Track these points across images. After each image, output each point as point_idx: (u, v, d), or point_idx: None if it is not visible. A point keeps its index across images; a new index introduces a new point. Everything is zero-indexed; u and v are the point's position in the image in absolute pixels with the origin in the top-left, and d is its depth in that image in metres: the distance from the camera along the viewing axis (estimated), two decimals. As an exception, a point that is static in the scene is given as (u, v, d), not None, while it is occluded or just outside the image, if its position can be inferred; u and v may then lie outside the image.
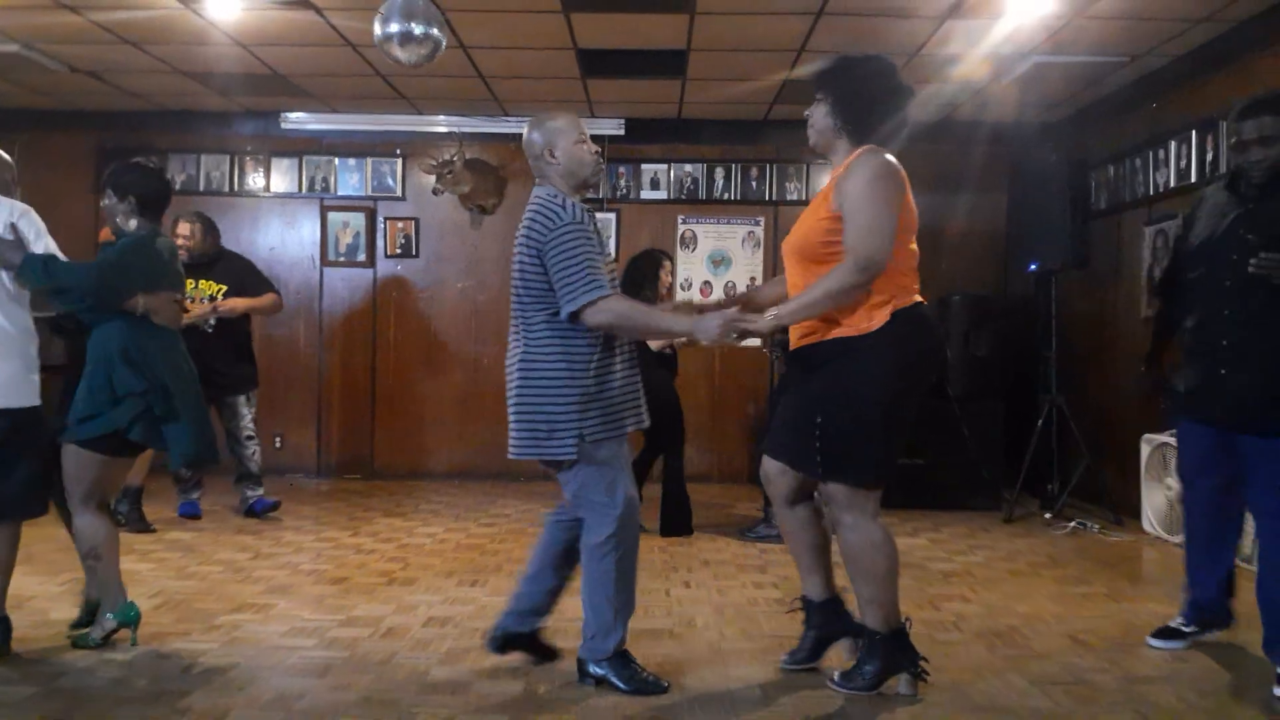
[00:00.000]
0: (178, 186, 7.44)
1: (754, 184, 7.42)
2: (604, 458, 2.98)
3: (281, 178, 7.49)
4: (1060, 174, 5.98)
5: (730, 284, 7.36)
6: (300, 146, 7.48)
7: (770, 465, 3.17)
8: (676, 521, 5.46)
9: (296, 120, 7.34)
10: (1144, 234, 5.98)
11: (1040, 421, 6.04)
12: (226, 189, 7.46)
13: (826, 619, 3.23)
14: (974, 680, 3.21)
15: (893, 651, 3.01)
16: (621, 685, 3.02)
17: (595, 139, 7.49)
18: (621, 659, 3.05)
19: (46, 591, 4.10)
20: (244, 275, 5.78)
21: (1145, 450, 5.40)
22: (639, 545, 3.13)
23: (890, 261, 2.84)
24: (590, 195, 3.07)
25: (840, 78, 3.02)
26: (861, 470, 2.93)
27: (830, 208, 2.91)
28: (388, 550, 5.03)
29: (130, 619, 3.40)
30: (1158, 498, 5.38)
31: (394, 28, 4.24)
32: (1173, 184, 5.71)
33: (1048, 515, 6.02)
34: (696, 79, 6.22)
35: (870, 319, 2.87)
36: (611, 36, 5.49)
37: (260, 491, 5.83)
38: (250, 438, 5.75)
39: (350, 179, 7.50)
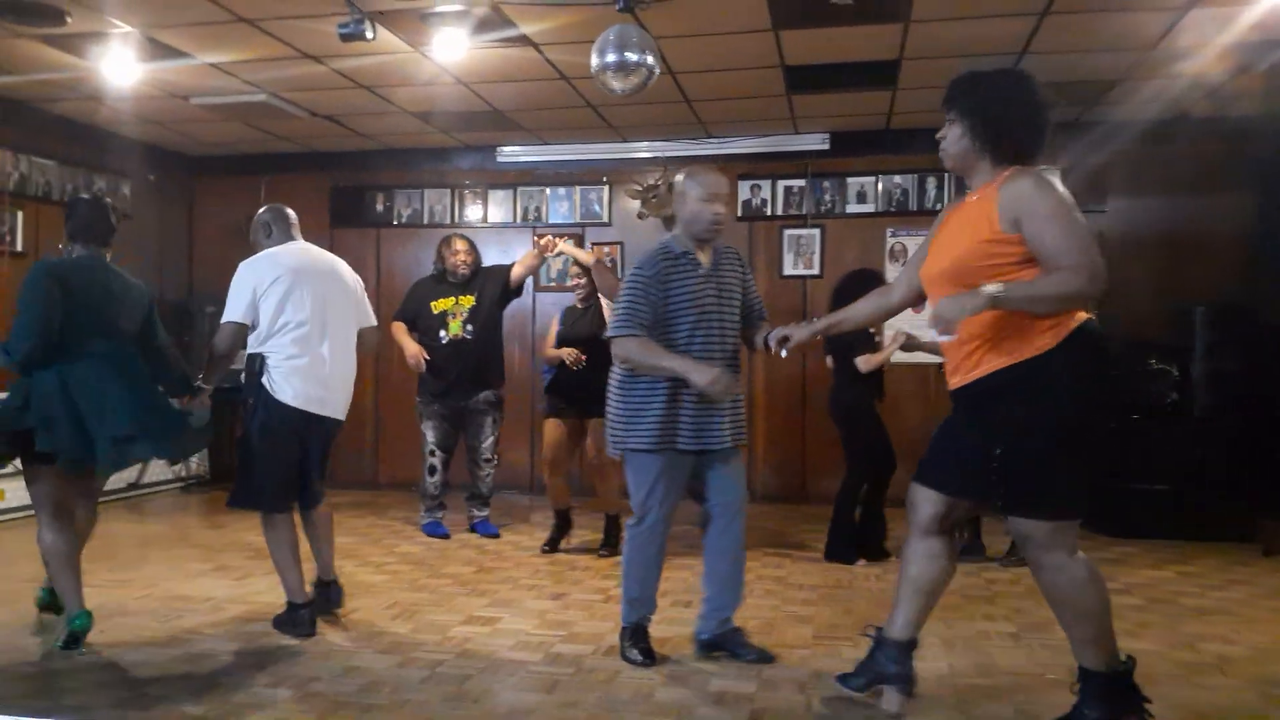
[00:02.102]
0: (403, 220, 7.96)
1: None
2: (641, 466, 3.47)
3: (498, 208, 7.84)
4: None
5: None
6: (514, 178, 7.81)
7: (918, 492, 3.00)
8: (835, 545, 5.26)
9: (511, 153, 7.69)
10: None
11: (1304, 444, 5.46)
12: (448, 221, 7.88)
13: (890, 660, 3.04)
14: (1249, 732, 2.90)
15: (1118, 693, 2.74)
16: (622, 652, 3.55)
17: (799, 155, 7.46)
18: (629, 633, 3.59)
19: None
20: (490, 283, 5.91)
21: None
22: (657, 557, 3.57)
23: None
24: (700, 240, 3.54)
25: (975, 97, 2.83)
26: (1053, 503, 2.70)
27: (996, 230, 2.69)
28: (601, 567, 5.11)
29: (75, 627, 3.59)
30: None
31: (610, 58, 4.34)
32: None
33: (1317, 549, 5.41)
34: (908, 88, 6.04)
35: (1037, 344, 2.67)
36: (820, 52, 5.41)
37: (486, 513, 6.04)
38: (488, 460, 5.95)
39: (560, 207, 7.76)
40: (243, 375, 3.89)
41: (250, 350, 3.87)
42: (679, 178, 3.59)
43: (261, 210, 4.19)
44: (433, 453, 5.90)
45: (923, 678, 3.37)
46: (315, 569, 4.16)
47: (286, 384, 3.80)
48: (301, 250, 4.03)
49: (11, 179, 6.56)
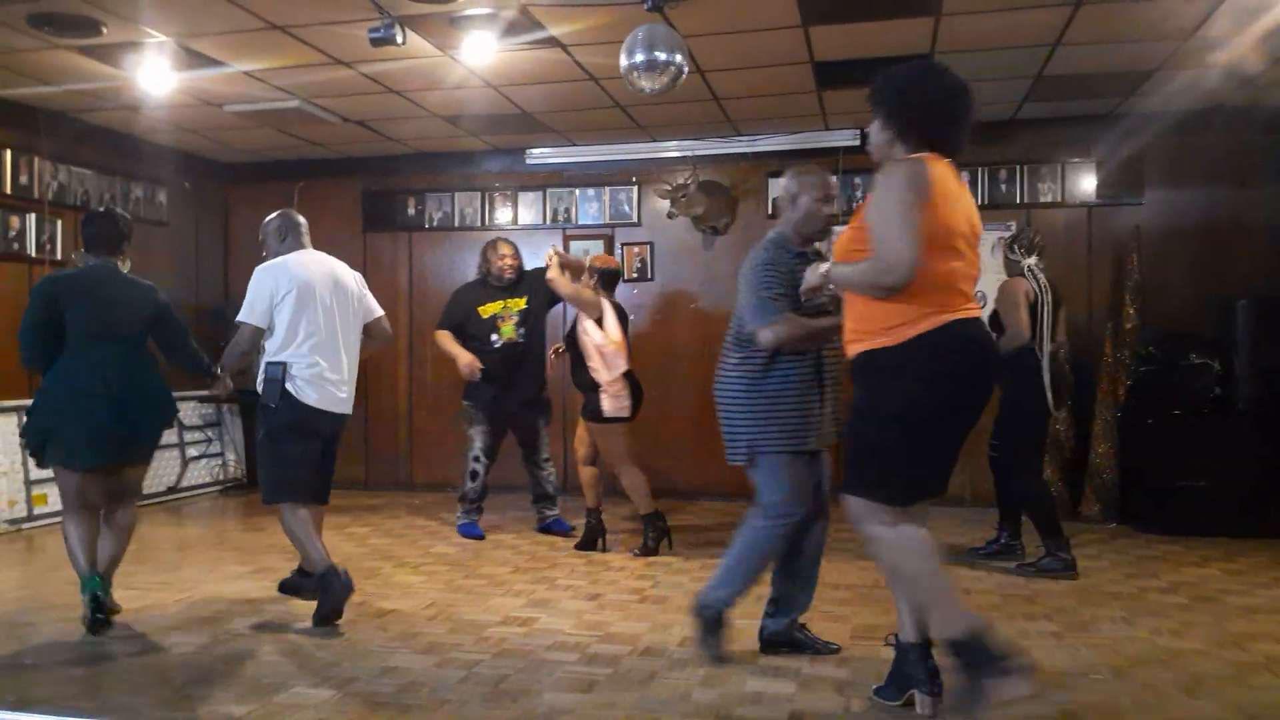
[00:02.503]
0: (434, 223, 8.01)
1: (1003, 187, 7.03)
2: (776, 467, 3.42)
3: (527, 210, 7.86)
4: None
5: (980, 294, 6.99)
6: (543, 180, 7.82)
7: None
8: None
9: (540, 155, 7.70)
10: None
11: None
12: (478, 224, 7.91)
13: (913, 664, 3.02)
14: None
15: (971, 657, 2.66)
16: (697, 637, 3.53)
17: (830, 152, 7.40)
18: (714, 622, 3.52)
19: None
20: (542, 286, 5.90)
21: None
22: (774, 554, 3.50)
23: (926, 272, 2.68)
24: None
25: (884, 89, 2.92)
26: (874, 485, 2.83)
27: (861, 216, 2.86)
28: (635, 568, 5.11)
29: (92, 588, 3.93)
30: None
31: (639, 57, 4.33)
32: None
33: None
34: (938, 84, 5.98)
35: (902, 333, 2.76)
36: (850, 47, 5.37)
37: (556, 511, 6.08)
38: (547, 459, 6.01)
39: (590, 208, 7.76)
40: (259, 382, 4.09)
41: (271, 359, 4.07)
42: (785, 178, 3.57)
43: (273, 216, 4.36)
44: (478, 459, 5.90)
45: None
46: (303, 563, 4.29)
47: (310, 389, 4.06)
48: (312, 259, 4.23)
49: (51, 188, 6.66)
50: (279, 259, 4.18)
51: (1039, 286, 4.99)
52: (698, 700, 3.15)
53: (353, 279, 4.32)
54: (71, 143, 6.79)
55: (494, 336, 5.79)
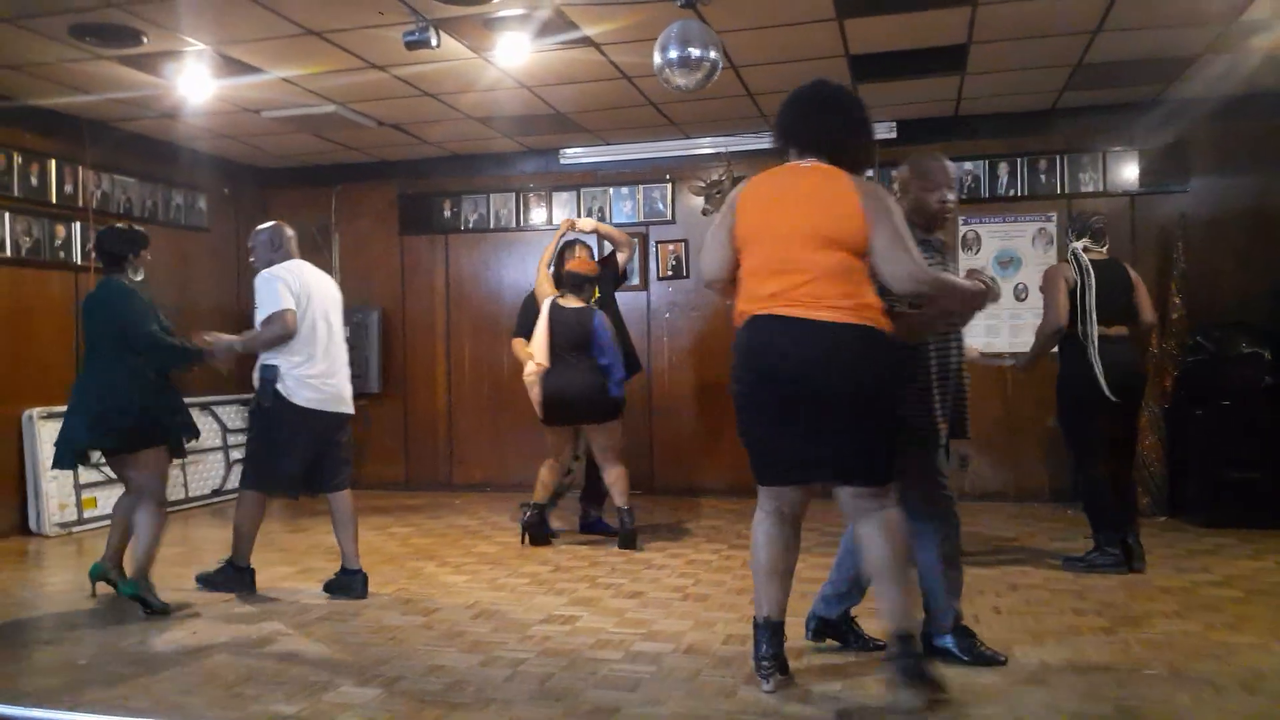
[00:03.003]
0: (470, 225, 8.05)
1: (1043, 177, 6.93)
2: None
3: (562, 210, 7.86)
4: None
5: (1021, 285, 6.92)
6: (578, 180, 7.84)
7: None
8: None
9: (573, 155, 7.71)
10: None
11: None
12: (513, 225, 7.94)
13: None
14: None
15: (760, 639, 3.14)
16: (963, 656, 3.35)
17: (867, 146, 7.30)
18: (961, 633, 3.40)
19: (377, 600, 4.48)
20: (605, 281, 5.94)
21: None
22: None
23: (741, 276, 3.09)
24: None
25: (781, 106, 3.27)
26: (752, 467, 3.15)
27: None
28: (676, 566, 5.10)
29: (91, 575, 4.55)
30: None
31: (673, 54, 4.32)
32: None
33: None
34: (976, 73, 5.91)
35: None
36: (886, 39, 5.32)
37: (600, 512, 6.08)
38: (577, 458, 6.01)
39: (624, 207, 7.76)
40: (255, 381, 4.38)
41: (266, 361, 4.38)
42: (900, 169, 3.57)
43: (264, 227, 4.64)
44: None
45: (1014, 672, 3.30)
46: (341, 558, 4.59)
47: (302, 389, 4.36)
48: (305, 268, 4.54)
49: (95, 197, 6.78)
50: (281, 265, 4.47)
51: (1080, 268, 4.82)
52: (743, 698, 3.13)
53: (335, 286, 4.69)
54: (113, 151, 6.90)
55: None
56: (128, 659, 3.66)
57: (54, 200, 6.48)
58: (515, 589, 4.66)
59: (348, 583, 4.51)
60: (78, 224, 6.61)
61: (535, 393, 5.50)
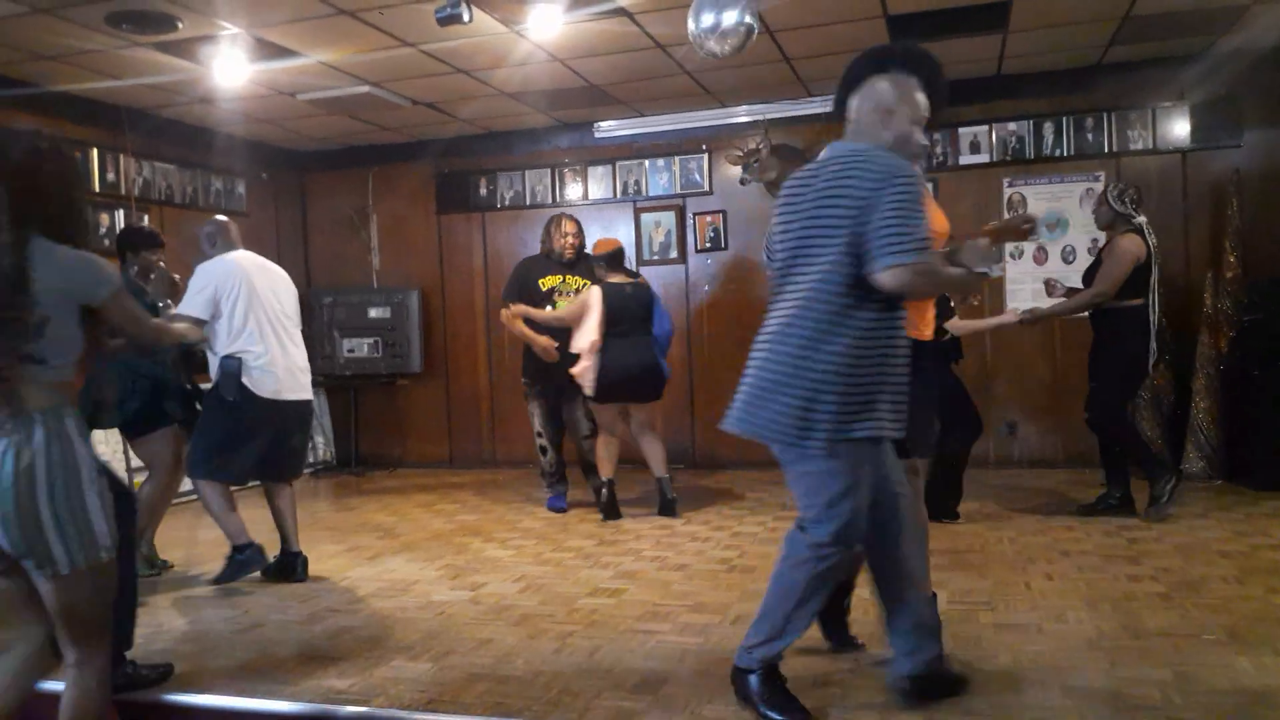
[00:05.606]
0: (506, 202, 8.03)
1: (1089, 136, 6.75)
2: (853, 462, 2.72)
3: (597, 185, 7.83)
4: None
5: (1069, 248, 6.76)
6: (613, 153, 7.78)
7: None
8: (938, 505, 4.93)
9: (608, 128, 7.65)
10: None
11: None
12: (549, 200, 7.91)
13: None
14: None
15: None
16: (760, 706, 2.77)
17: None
18: (768, 675, 2.82)
19: (425, 576, 4.51)
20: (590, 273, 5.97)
21: None
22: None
23: None
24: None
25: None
26: None
27: None
28: (721, 538, 5.08)
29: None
30: None
31: (707, 21, 4.25)
32: None
33: None
34: (1019, 30, 5.76)
35: None
36: (924, -2, 5.20)
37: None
38: (587, 437, 6.00)
39: (660, 179, 7.69)
40: (215, 372, 4.38)
41: (225, 352, 4.34)
42: (883, 81, 2.71)
43: (206, 224, 4.67)
44: (540, 434, 5.96)
45: (1068, 641, 3.25)
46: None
47: (267, 379, 4.35)
48: (246, 258, 4.51)
49: (136, 184, 6.85)
50: (221, 257, 4.46)
51: (1149, 246, 4.87)
52: (790, 667, 3.10)
53: (284, 275, 4.66)
54: (153, 138, 6.96)
55: (549, 309, 5.80)
56: (180, 638, 3.72)
57: (97, 189, 6.56)
58: (561, 563, 4.67)
59: (290, 564, 4.54)
60: (120, 211, 6.69)
61: (589, 375, 5.47)
